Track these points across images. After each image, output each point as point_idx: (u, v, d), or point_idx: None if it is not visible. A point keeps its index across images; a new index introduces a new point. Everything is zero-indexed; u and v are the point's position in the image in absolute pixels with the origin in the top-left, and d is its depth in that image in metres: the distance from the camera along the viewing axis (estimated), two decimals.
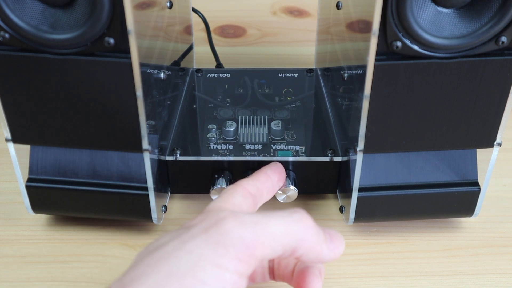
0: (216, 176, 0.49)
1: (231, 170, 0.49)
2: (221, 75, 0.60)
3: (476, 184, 0.48)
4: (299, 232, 0.34)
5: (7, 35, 0.39)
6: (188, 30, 0.61)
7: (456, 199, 0.48)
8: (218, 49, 0.70)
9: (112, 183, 0.47)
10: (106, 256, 0.49)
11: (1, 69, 0.40)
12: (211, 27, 0.75)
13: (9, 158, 0.46)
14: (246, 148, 0.50)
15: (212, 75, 0.60)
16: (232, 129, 0.51)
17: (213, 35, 0.74)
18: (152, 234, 0.51)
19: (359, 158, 0.45)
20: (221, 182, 0.48)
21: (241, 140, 0.51)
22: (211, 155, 0.49)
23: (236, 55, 0.76)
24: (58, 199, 0.48)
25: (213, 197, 0.49)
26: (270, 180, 0.38)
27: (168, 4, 0.51)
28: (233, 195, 0.36)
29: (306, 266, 0.39)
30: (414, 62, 0.40)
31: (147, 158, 0.44)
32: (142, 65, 0.40)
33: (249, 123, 0.53)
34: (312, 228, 0.34)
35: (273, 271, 0.41)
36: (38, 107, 0.42)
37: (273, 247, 0.32)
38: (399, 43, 0.39)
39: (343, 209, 0.50)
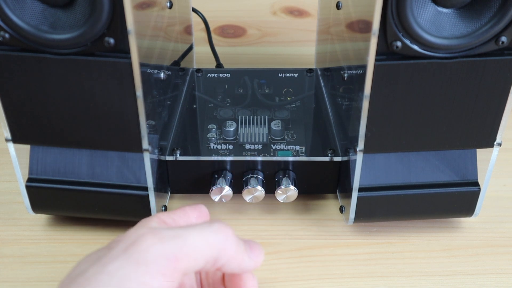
0: (216, 176, 0.49)
1: (231, 170, 0.50)
2: (221, 75, 0.60)
3: (476, 184, 0.48)
4: (219, 242, 0.34)
5: (7, 35, 0.39)
6: (188, 30, 0.61)
7: (456, 199, 0.48)
8: (218, 49, 0.70)
9: (112, 183, 0.47)
10: None
11: (1, 69, 0.40)
12: (211, 27, 0.75)
13: (9, 158, 0.46)
14: (246, 148, 0.50)
15: (212, 75, 0.60)
16: (232, 129, 0.51)
17: (213, 35, 0.74)
18: None
19: (359, 158, 0.45)
20: (221, 182, 0.48)
21: (241, 140, 0.51)
22: (211, 155, 0.49)
23: (236, 55, 0.76)
24: (58, 199, 0.48)
25: (213, 197, 0.49)
26: (187, 215, 0.38)
27: (168, 4, 0.51)
28: (149, 221, 0.36)
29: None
30: (414, 62, 0.40)
31: (147, 158, 0.44)
32: (142, 65, 0.40)
33: (249, 123, 0.53)
34: (231, 238, 0.35)
35: (201, 282, 0.41)
36: (38, 107, 0.42)
37: (195, 259, 0.32)
38: (399, 43, 0.39)
39: (343, 209, 0.50)
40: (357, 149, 0.44)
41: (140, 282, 0.30)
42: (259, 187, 0.48)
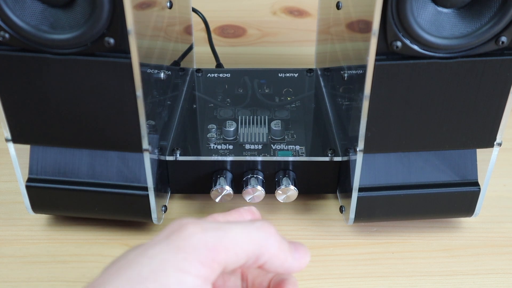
0: (216, 176, 0.49)
1: (231, 170, 0.50)
2: (221, 75, 0.60)
3: (476, 184, 0.48)
4: (262, 238, 0.34)
5: (7, 35, 0.39)
6: (188, 30, 0.61)
7: (456, 199, 0.48)
8: (218, 49, 0.70)
9: (112, 183, 0.47)
10: (106, 256, 0.49)
11: (1, 69, 0.40)
12: (211, 27, 0.75)
13: (9, 158, 0.46)
14: (246, 148, 0.50)
15: (212, 75, 0.60)
16: (232, 129, 0.51)
17: (213, 35, 0.74)
18: (152, 234, 0.51)
19: (359, 158, 0.45)
20: (221, 182, 0.48)
21: (241, 140, 0.51)
22: (211, 155, 0.49)
23: (236, 55, 0.76)
24: (58, 199, 0.48)
25: (213, 197, 0.49)
26: (242, 216, 0.38)
27: (168, 4, 0.51)
28: (201, 219, 0.36)
29: (282, 279, 0.39)
30: (414, 62, 0.40)
31: (147, 158, 0.44)
32: (142, 65, 0.40)
33: (249, 123, 0.53)
34: (274, 236, 0.35)
35: None
36: (38, 107, 0.42)
37: (235, 253, 0.32)
38: (399, 43, 0.39)
39: (343, 209, 0.50)
40: (357, 149, 0.44)
41: (177, 268, 0.30)
42: (259, 187, 0.48)
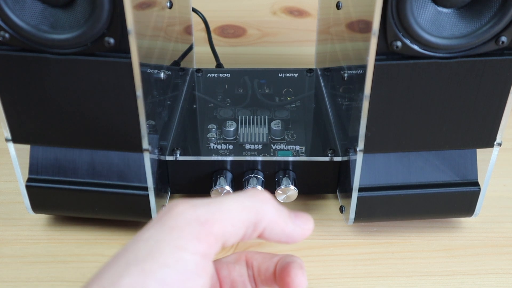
0: (216, 176, 0.49)
1: (231, 170, 0.50)
2: (221, 75, 0.60)
3: (476, 184, 0.48)
4: (256, 205, 0.33)
5: (7, 35, 0.39)
6: (188, 30, 0.61)
7: (456, 199, 0.48)
8: (218, 49, 0.70)
9: (112, 183, 0.47)
10: (106, 256, 0.49)
11: (1, 69, 0.40)
12: (211, 27, 0.75)
13: (9, 158, 0.46)
14: (246, 148, 0.50)
15: (212, 75, 0.60)
16: (232, 129, 0.51)
17: (213, 35, 0.74)
18: None
19: (359, 158, 0.45)
20: (221, 182, 0.48)
21: (241, 140, 0.51)
22: (211, 155, 0.49)
23: (236, 55, 0.76)
24: (58, 199, 0.48)
25: (213, 196, 0.49)
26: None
27: (168, 4, 0.51)
28: (192, 199, 0.37)
29: (287, 262, 0.38)
30: (414, 62, 0.40)
31: (147, 158, 0.44)
32: (142, 65, 0.40)
33: (249, 123, 0.53)
34: (270, 201, 0.34)
35: (255, 279, 0.40)
36: (38, 107, 0.42)
37: (231, 223, 0.32)
38: (399, 43, 0.39)
39: (343, 209, 0.50)
40: (357, 149, 0.44)
41: (174, 246, 0.30)
42: (259, 187, 0.48)
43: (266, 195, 0.34)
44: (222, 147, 0.50)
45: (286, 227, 0.34)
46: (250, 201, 0.33)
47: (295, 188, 0.48)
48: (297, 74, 0.60)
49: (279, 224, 0.34)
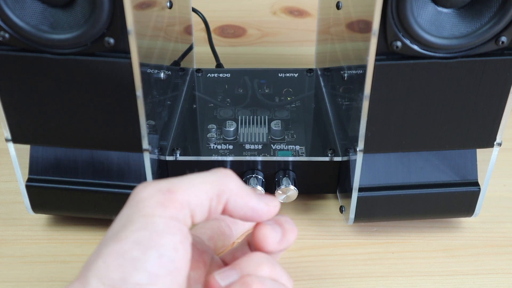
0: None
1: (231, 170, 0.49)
2: (221, 75, 0.60)
3: (476, 184, 0.48)
4: (218, 177, 0.34)
5: (7, 35, 0.39)
6: (188, 30, 0.61)
7: (456, 199, 0.48)
8: (218, 49, 0.70)
9: (112, 183, 0.47)
10: None
11: (1, 69, 0.40)
12: (211, 27, 0.75)
13: (9, 158, 0.46)
14: (246, 148, 0.50)
15: (212, 75, 0.60)
16: (232, 129, 0.51)
17: (213, 35, 0.74)
18: None
19: (359, 158, 0.45)
20: None
21: (241, 140, 0.51)
22: (211, 155, 0.49)
23: (236, 55, 0.76)
24: (58, 199, 0.48)
25: None
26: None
27: (168, 4, 0.51)
28: None
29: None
30: (414, 62, 0.40)
31: (147, 158, 0.44)
32: (142, 65, 0.40)
33: (249, 123, 0.53)
34: (232, 176, 0.35)
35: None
36: (38, 107, 0.42)
37: (195, 194, 0.33)
38: (399, 43, 0.39)
39: (343, 209, 0.50)
40: (357, 149, 0.44)
41: (142, 215, 0.32)
42: (259, 187, 0.48)
43: (229, 171, 0.35)
44: (222, 147, 0.50)
45: (250, 200, 0.35)
46: (212, 175, 0.35)
47: (295, 188, 0.48)
48: (297, 74, 0.60)
49: (242, 197, 0.35)
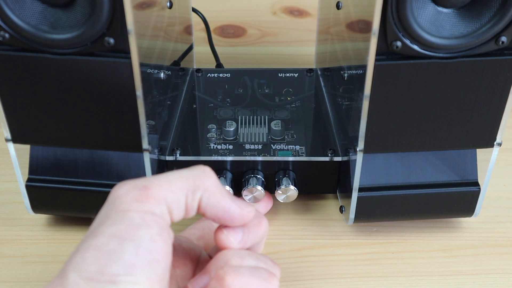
0: (216, 176, 0.49)
1: (231, 170, 0.49)
2: (221, 75, 0.60)
3: (476, 184, 0.48)
4: (194, 174, 0.35)
5: (7, 35, 0.39)
6: (188, 30, 0.61)
7: (456, 199, 0.48)
8: (218, 49, 0.70)
9: (112, 183, 0.47)
10: None
11: (1, 69, 0.40)
12: (211, 27, 0.75)
13: (9, 158, 0.46)
14: (246, 148, 0.50)
15: (212, 75, 0.60)
16: (232, 129, 0.51)
17: (213, 35, 0.74)
18: None
19: (359, 158, 0.45)
20: (221, 182, 0.48)
21: (241, 140, 0.51)
22: (211, 155, 0.49)
23: (236, 55, 0.76)
24: (58, 199, 0.48)
25: None
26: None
27: (168, 4, 0.51)
28: None
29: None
30: (414, 62, 0.40)
31: (147, 158, 0.44)
32: (142, 65, 0.40)
33: (249, 123, 0.53)
34: (209, 173, 0.36)
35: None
36: (38, 107, 0.42)
37: (170, 189, 0.34)
38: (399, 43, 0.39)
39: (343, 209, 0.50)
40: (357, 149, 0.44)
41: (119, 211, 0.32)
42: (259, 187, 0.48)
43: (207, 168, 0.36)
44: (222, 147, 0.50)
45: (223, 200, 0.36)
46: (189, 171, 0.35)
47: (295, 188, 0.48)
48: (297, 74, 0.60)
49: (216, 195, 0.35)
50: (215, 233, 0.37)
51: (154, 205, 0.33)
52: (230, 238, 0.37)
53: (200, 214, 0.36)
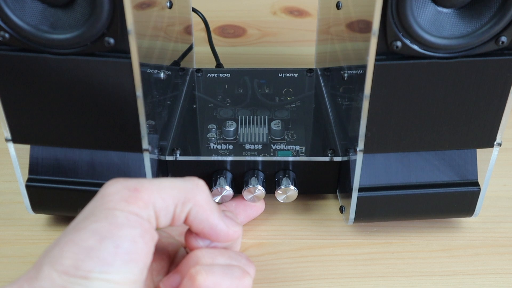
0: (216, 176, 0.49)
1: (231, 170, 0.50)
2: (221, 75, 0.60)
3: (476, 184, 0.48)
4: (187, 186, 0.35)
5: (7, 35, 0.39)
6: (188, 30, 0.61)
7: (456, 199, 0.48)
8: (218, 49, 0.70)
9: None
10: None
11: (1, 69, 0.40)
12: (211, 27, 0.75)
13: (9, 158, 0.46)
14: (246, 148, 0.50)
15: (212, 75, 0.60)
16: (232, 129, 0.51)
17: (213, 35, 0.74)
18: None
19: (359, 158, 0.45)
20: (221, 182, 0.48)
21: (241, 140, 0.51)
22: (211, 155, 0.49)
23: (236, 55, 0.76)
24: (58, 199, 0.48)
25: (214, 197, 0.49)
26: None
27: (168, 4, 0.51)
28: None
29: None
30: (414, 62, 0.40)
31: (147, 158, 0.44)
32: (142, 65, 0.40)
33: (249, 123, 0.53)
34: (202, 188, 0.36)
35: None
36: (38, 107, 0.42)
37: (161, 197, 0.34)
38: (399, 43, 0.39)
39: (343, 209, 0.50)
40: (357, 149, 0.44)
41: (105, 208, 0.33)
42: (259, 187, 0.48)
43: (201, 182, 0.36)
44: (222, 147, 0.50)
45: (212, 217, 0.36)
46: (182, 182, 0.35)
47: (295, 188, 0.48)
48: (297, 74, 0.60)
49: (205, 211, 0.35)
50: (185, 234, 0.38)
51: (142, 208, 0.33)
52: (199, 241, 0.37)
53: (186, 225, 0.36)
